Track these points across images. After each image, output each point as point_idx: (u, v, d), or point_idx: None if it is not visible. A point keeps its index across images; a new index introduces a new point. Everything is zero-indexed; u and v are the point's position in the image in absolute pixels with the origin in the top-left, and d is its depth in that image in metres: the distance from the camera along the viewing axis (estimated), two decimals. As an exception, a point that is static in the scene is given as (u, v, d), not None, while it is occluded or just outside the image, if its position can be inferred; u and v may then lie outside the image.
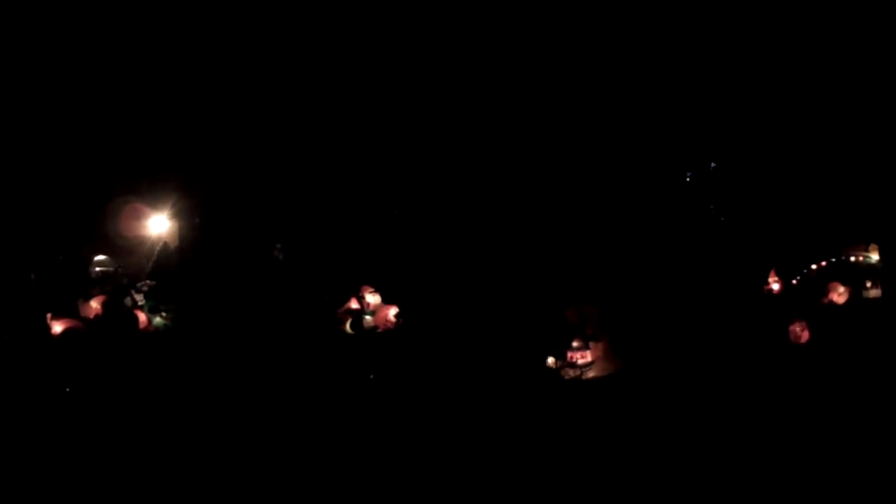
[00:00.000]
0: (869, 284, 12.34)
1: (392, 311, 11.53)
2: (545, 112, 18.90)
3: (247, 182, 18.15)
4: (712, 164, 17.36)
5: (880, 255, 12.85)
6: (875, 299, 12.24)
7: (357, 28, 17.82)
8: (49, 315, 10.97)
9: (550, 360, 9.11)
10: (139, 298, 12.63)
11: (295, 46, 17.99)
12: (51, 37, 15.52)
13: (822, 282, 12.26)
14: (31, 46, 15.26)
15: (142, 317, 12.18)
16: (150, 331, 12.18)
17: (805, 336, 10.61)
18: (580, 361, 9.62)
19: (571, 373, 9.39)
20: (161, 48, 16.60)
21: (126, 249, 15.98)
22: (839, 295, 11.79)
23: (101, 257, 15.18)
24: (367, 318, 12.61)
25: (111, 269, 14.98)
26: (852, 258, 12.96)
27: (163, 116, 16.81)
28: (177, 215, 17.08)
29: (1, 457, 8.01)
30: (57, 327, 10.72)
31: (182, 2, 16.21)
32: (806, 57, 16.04)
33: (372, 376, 10.04)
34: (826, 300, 11.85)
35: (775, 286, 13.16)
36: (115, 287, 13.45)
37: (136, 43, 16.38)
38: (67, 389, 9.31)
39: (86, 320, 11.93)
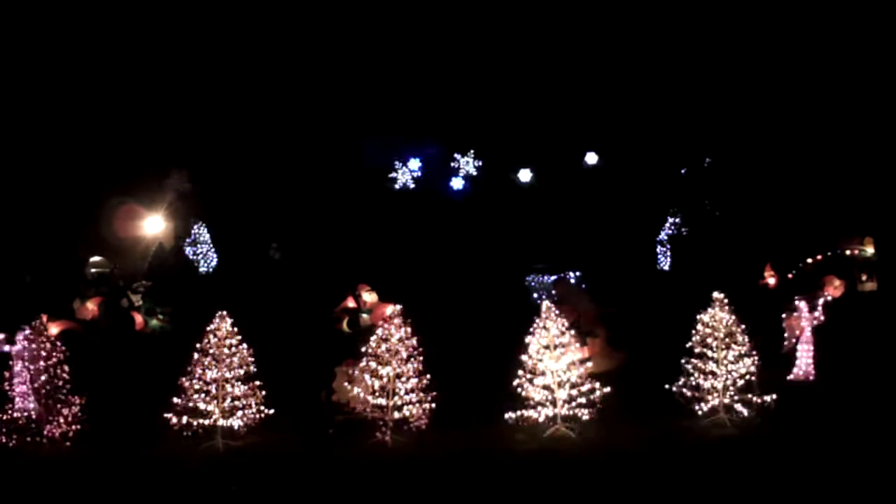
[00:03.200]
0: (864, 278, 12.35)
1: (388, 310, 11.50)
2: (542, 110, 18.89)
3: (243, 183, 18.13)
4: (707, 160, 17.40)
5: (876, 248, 12.89)
6: (871, 292, 12.26)
7: (356, 28, 17.77)
8: (45, 316, 10.90)
9: (547, 357, 9.09)
10: (136, 300, 12.58)
11: (292, 48, 17.95)
12: (46, 39, 15.47)
13: (818, 275, 12.26)
14: (27, 49, 15.20)
15: (138, 318, 12.12)
16: (147, 332, 12.15)
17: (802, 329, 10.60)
18: (578, 357, 9.62)
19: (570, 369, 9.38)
20: (157, 51, 16.55)
21: (122, 250, 15.93)
22: (835, 288, 11.79)
23: (96, 258, 15.11)
24: (364, 316, 12.60)
25: (107, 269, 14.92)
26: (848, 252, 12.98)
27: (159, 119, 16.79)
28: (172, 216, 17.04)
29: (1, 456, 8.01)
30: (53, 328, 10.65)
31: (179, 8, 16.18)
32: (800, 53, 16.07)
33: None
34: (822, 293, 11.84)
35: (771, 280, 13.19)
36: (111, 288, 13.40)
37: (132, 46, 16.34)
38: (65, 390, 9.28)
39: (82, 321, 11.84)
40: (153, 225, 16.65)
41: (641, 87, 17.67)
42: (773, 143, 16.46)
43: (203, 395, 8.63)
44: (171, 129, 16.93)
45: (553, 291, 13.33)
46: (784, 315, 10.29)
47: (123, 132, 16.47)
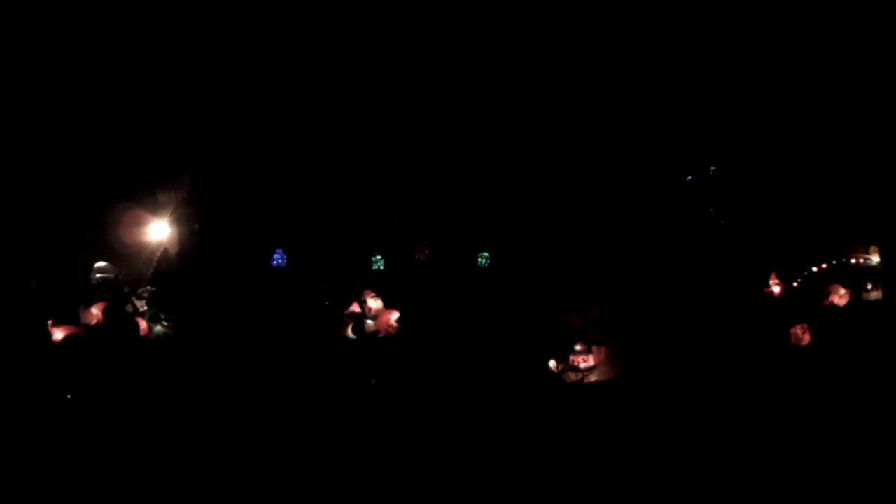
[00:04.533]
0: (870, 286, 12.32)
1: (394, 316, 11.49)
2: (547, 116, 18.92)
3: (247, 187, 18.19)
4: (712, 168, 17.40)
5: (881, 256, 12.85)
6: (876, 301, 12.23)
7: (357, 33, 17.83)
8: (50, 321, 10.93)
9: (552, 363, 9.07)
10: (140, 305, 12.61)
11: (295, 52, 18.02)
12: (51, 41, 15.54)
13: (823, 284, 12.24)
14: (31, 51, 15.28)
15: (143, 324, 12.15)
16: (151, 338, 12.17)
17: (806, 339, 10.58)
18: (582, 365, 9.60)
19: (573, 377, 9.36)
20: (161, 54, 16.62)
21: (126, 255, 15.98)
22: (840, 297, 11.77)
23: (101, 263, 15.15)
24: (369, 322, 12.60)
25: (112, 275, 14.96)
26: (853, 260, 12.96)
27: (163, 122, 16.85)
28: (177, 221, 17.10)
29: (3, 464, 8.03)
30: (58, 334, 10.69)
31: (182, 9, 16.25)
32: (805, 59, 16.05)
33: (373, 381, 10.03)
34: (827, 302, 11.83)
35: (776, 289, 13.16)
36: (115, 293, 13.43)
37: (136, 48, 16.40)
38: (68, 396, 9.31)
39: (86, 327, 11.88)
40: (158, 230, 16.70)
41: (645, 94, 17.70)
42: (778, 151, 16.46)
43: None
44: (175, 134, 17.01)
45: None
46: (789, 323, 10.26)
47: (128, 137, 16.53)
